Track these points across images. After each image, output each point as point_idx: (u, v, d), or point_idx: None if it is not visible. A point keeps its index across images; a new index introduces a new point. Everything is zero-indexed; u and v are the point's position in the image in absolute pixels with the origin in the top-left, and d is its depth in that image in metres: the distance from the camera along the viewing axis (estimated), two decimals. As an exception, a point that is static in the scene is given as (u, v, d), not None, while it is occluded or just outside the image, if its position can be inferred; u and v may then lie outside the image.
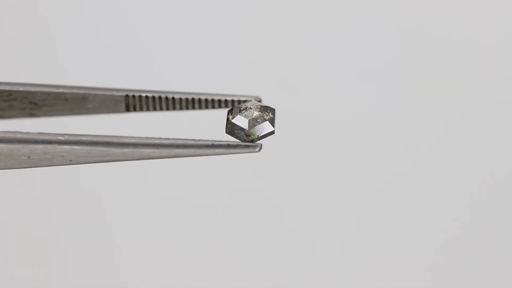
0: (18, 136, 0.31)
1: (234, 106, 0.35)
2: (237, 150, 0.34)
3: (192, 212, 0.64)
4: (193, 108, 0.35)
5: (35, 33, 0.67)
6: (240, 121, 0.34)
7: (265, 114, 0.35)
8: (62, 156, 0.32)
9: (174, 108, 0.35)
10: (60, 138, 0.31)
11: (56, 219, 0.64)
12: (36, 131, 0.59)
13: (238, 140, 0.34)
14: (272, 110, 0.35)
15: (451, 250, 0.64)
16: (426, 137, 0.65)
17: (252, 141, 0.34)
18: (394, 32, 0.66)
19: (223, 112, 0.35)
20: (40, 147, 0.31)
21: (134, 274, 0.63)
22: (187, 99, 0.35)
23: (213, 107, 0.35)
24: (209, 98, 0.35)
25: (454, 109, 0.65)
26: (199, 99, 0.35)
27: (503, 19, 0.66)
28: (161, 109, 0.35)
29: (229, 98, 0.35)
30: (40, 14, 0.67)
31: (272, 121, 0.35)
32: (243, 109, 0.34)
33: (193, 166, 0.62)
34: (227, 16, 0.67)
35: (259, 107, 0.35)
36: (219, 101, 0.35)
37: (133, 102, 0.34)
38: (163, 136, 0.34)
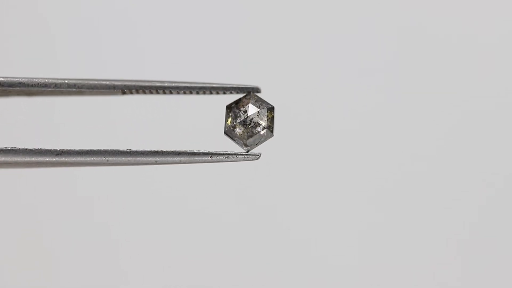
0: (16, 149, 0.31)
1: (233, 92, 0.35)
2: (237, 159, 0.34)
3: (193, 215, 0.64)
4: (191, 93, 0.35)
5: (30, 27, 0.67)
6: (239, 130, 0.34)
7: (263, 120, 0.35)
8: (60, 165, 0.32)
9: (171, 93, 0.34)
10: (58, 150, 0.31)
11: (57, 221, 0.64)
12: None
13: (236, 144, 0.34)
14: (271, 109, 0.35)
15: (453, 253, 0.64)
16: (426, 139, 0.65)
17: (251, 146, 0.34)
18: (395, 32, 0.66)
19: (222, 98, 0.35)
20: (38, 159, 0.31)
21: (136, 275, 0.64)
22: (184, 91, 0.34)
23: (211, 93, 0.35)
24: (208, 86, 0.34)
25: (454, 109, 0.65)
26: (197, 90, 0.34)
27: (503, 19, 0.66)
28: (157, 92, 0.34)
29: (228, 86, 0.35)
30: (38, 10, 0.67)
31: (271, 126, 0.34)
32: (243, 112, 0.34)
33: (192, 169, 0.62)
34: (228, 13, 0.66)
35: (257, 110, 0.34)
36: (217, 92, 0.35)
37: (130, 92, 0.34)
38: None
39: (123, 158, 0.32)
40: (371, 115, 0.64)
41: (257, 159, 0.34)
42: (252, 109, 0.34)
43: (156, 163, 0.33)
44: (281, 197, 0.64)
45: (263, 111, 0.34)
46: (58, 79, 0.32)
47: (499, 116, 0.65)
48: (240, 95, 0.34)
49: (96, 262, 0.63)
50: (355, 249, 0.64)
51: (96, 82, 0.33)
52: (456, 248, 0.64)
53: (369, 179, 0.64)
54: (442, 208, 0.64)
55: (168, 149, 0.33)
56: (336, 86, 0.65)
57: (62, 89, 0.32)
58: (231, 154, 0.34)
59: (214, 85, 0.34)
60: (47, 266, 0.63)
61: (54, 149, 0.31)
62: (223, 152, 0.34)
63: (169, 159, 0.33)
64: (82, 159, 0.31)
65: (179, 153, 0.33)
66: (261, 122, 0.34)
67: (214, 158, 0.34)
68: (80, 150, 0.31)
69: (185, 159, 0.33)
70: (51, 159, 0.31)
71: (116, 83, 0.33)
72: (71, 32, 0.66)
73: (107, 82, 0.33)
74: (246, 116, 0.34)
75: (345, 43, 0.66)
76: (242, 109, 0.34)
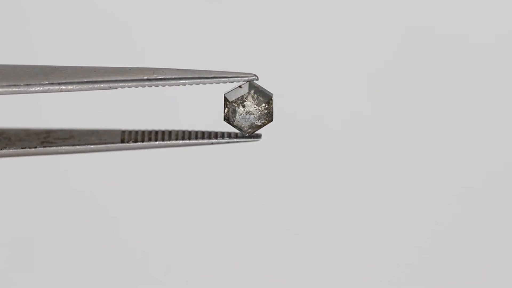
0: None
1: (229, 82, 0.34)
2: (238, 141, 0.34)
3: (188, 206, 0.64)
4: (183, 84, 0.34)
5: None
6: (238, 123, 0.34)
7: (262, 112, 0.34)
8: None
9: (162, 83, 0.34)
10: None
11: (56, 217, 0.64)
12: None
13: (237, 131, 0.34)
14: (270, 98, 0.34)
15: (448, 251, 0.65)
16: (427, 137, 0.65)
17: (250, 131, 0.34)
18: (396, 26, 0.66)
19: (219, 87, 0.34)
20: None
21: (135, 268, 0.63)
22: (176, 82, 0.34)
23: (205, 84, 0.34)
24: (202, 76, 0.34)
25: (453, 109, 0.65)
26: (190, 81, 0.34)
27: (506, 20, 0.66)
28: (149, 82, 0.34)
29: (223, 76, 0.34)
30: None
31: (270, 114, 0.34)
32: (240, 102, 0.34)
33: (188, 157, 0.62)
34: (227, 4, 0.66)
35: (255, 105, 0.34)
36: (211, 82, 0.34)
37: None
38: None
39: (122, 144, 0.32)
40: (371, 112, 0.64)
41: (258, 140, 0.34)
42: (250, 105, 0.34)
43: (154, 146, 0.32)
44: (279, 182, 0.64)
45: (262, 105, 0.34)
46: (52, 83, 0.32)
47: (500, 116, 0.65)
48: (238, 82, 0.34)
49: (97, 257, 0.63)
50: (352, 240, 0.64)
51: (85, 80, 0.32)
52: (452, 246, 0.64)
53: (367, 169, 0.64)
54: (441, 205, 0.64)
55: (168, 130, 0.33)
56: (337, 71, 0.65)
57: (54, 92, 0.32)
58: (232, 138, 0.34)
59: (208, 75, 0.33)
60: (47, 268, 0.63)
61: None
62: (224, 136, 0.34)
63: (169, 142, 0.33)
64: (76, 147, 0.31)
65: (181, 137, 0.33)
66: (260, 114, 0.34)
67: (214, 141, 0.34)
68: (73, 143, 0.31)
69: (186, 142, 0.33)
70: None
71: (106, 78, 0.32)
72: (60, 19, 0.66)
73: (97, 80, 0.32)
74: (244, 112, 0.34)
75: (348, 30, 0.66)
76: (240, 103, 0.34)
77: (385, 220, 0.64)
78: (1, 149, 0.32)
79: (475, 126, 0.65)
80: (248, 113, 0.34)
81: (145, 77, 0.32)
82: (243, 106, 0.34)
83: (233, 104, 0.34)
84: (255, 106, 0.34)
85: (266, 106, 0.34)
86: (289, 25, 0.65)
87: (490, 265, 0.64)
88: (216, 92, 0.35)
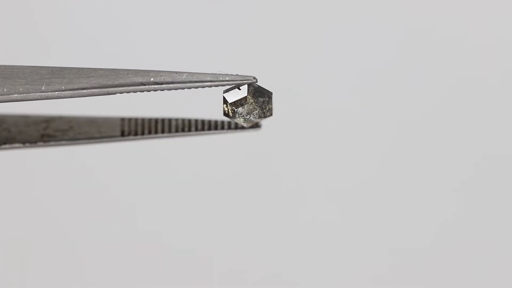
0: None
1: (228, 85, 0.34)
2: (238, 131, 0.34)
3: (188, 196, 0.64)
4: (179, 88, 0.34)
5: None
6: (239, 120, 0.34)
7: (262, 112, 0.34)
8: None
9: (156, 88, 0.34)
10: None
11: (56, 212, 0.63)
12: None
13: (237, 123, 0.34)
14: (269, 97, 0.34)
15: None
16: (427, 136, 0.65)
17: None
18: (400, 30, 0.66)
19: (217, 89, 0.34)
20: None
21: (137, 265, 0.63)
22: (171, 87, 0.34)
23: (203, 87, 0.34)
24: (199, 80, 0.34)
25: (453, 111, 0.65)
26: (186, 86, 0.34)
27: (506, 20, 0.66)
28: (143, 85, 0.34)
29: (220, 80, 0.34)
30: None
31: (269, 110, 0.34)
32: (239, 104, 0.34)
33: (187, 146, 0.62)
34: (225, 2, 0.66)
35: (255, 107, 0.34)
36: (209, 86, 0.34)
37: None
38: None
39: (122, 137, 0.32)
40: (370, 109, 0.64)
41: (258, 130, 0.34)
42: (249, 106, 0.34)
43: (155, 138, 0.32)
44: (278, 178, 0.64)
45: (262, 105, 0.34)
46: (49, 91, 0.31)
47: (500, 115, 0.65)
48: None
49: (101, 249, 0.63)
50: (352, 236, 0.64)
51: (83, 87, 0.32)
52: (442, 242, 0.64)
53: (367, 167, 0.64)
54: (440, 203, 0.64)
55: (168, 118, 0.33)
56: (337, 71, 0.65)
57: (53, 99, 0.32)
58: (233, 128, 0.34)
59: (206, 79, 0.33)
60: (49, 264, 0.63)
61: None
62: (225, 125, 0.34)
63: (169, 134, 0.33)
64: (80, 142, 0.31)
65: (181, 127, 0.33)
66: (260, 113, 0.34)
67: (215, 131, 0.34)
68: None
69: (186, 133, 0.33)
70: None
71: (104, 84, 0.32)
72: (54, 23, 0.66)
73: (95, 86, 0.32)
74: (245, 112, 0.34)
75: (348, 30, 0.66)
76: (240, 104, 0.34)
77: (384, 217, 0.64)
78: (1, 145, 0.32)
79: (475, 125, 0.65)
80: (248, 113, 0.34)
81: (143, 82, 0.32)
82: (243, 107, 0.34)
83: (232, 105, 0.34)
84: (255, 106, 0.34)
85: (266, 105, 0.34)
86: (288, 25, 0.65)
87: (489, 263, 0.64)
88: (217, 90, 0.35)
